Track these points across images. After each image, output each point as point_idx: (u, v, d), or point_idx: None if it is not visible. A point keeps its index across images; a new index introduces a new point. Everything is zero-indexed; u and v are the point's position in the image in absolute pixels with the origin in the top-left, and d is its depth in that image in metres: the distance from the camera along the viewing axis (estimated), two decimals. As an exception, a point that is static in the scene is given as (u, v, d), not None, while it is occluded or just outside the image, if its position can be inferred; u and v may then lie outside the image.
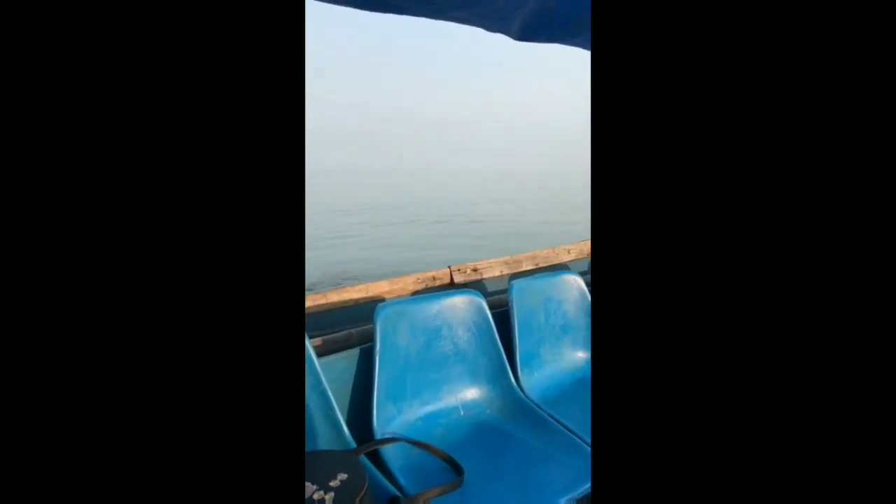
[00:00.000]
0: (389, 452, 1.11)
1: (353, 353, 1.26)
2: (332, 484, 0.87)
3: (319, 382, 1.10)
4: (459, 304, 1.36)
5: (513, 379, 1.37)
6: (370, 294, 1.68)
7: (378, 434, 1.15)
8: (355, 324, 1.49)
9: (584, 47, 1.29)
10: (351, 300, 1.64)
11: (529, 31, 1.25)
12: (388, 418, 1.19)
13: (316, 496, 0.85)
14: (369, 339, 1.34)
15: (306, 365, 1.09)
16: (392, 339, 1.23)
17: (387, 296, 1.72)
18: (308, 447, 1.06)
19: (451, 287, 1.80)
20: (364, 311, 1.64)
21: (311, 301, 1.55)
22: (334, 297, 1.60)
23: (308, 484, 0.87)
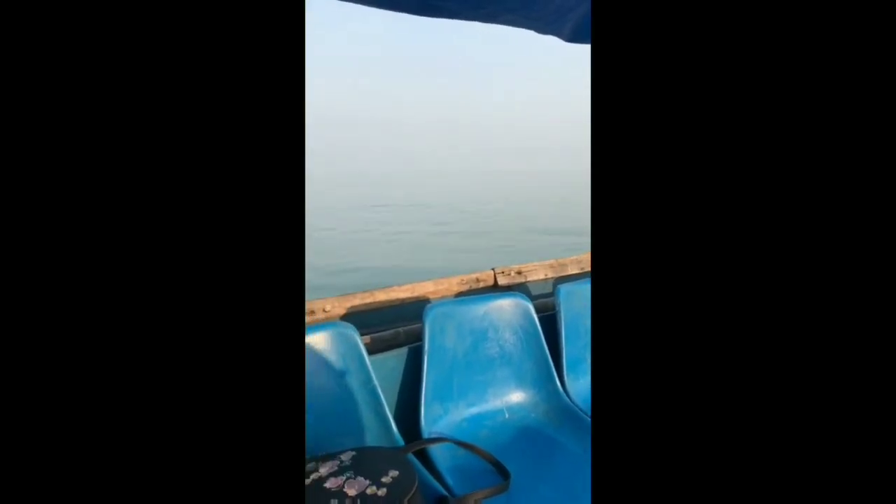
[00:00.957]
0: (436, 452, 1.13)
1: (402, 352, 1.28)
2: (383, 480, 0.89)
3: (370, 380, 1.12)
4: (506, 307, 1.36)
5: (559, 384, 1.36)
6: (415, 294, 1.70)
7: (425, 433, 1.17)
8: (402, 323, 1.51)
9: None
10: (397, 299, 1.67)
11: (581, 33, 1.24)
12: (435, 418, 1.21)
13: (369, 491, 0.87)
14: (416, 338, 1.36)
15: (357, 362, 1.12)
16: (440, 339, 1.24)
17: (431, 296, 1.74)
18: (357, 443, 1.09)
19: (495, 289, 1.80)
20: (409, 310, 1.67)
21: (359, 300, 1.59)
22: (381, 295, 1.63)
23: (361, 479, 0.89)
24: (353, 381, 1.11)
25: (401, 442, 1.12)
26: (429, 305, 1.27)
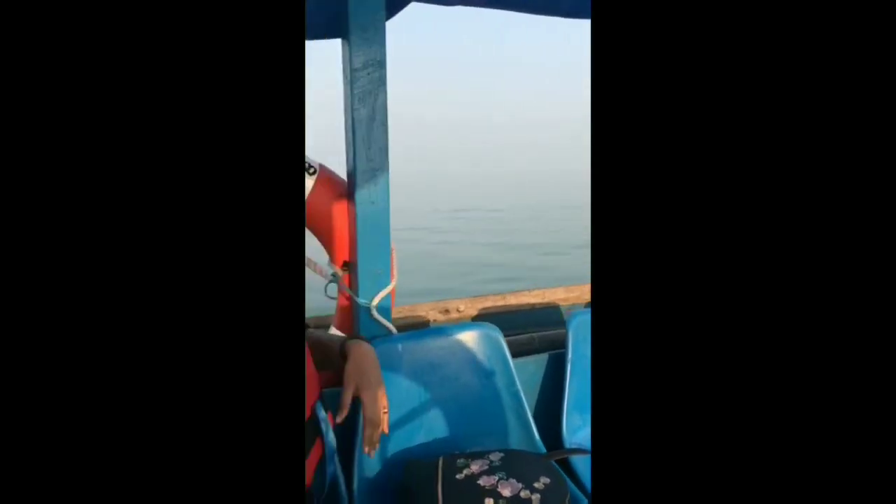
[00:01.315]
0: (578, 463, 1.10)
1: (542, 358, 1.27)
2: (535, 486, 0.89)
3: (513, 382, 1.13)
4: (652, 320, 1.29)
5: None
6: (546, 300, 1.69)
7: (567, 442, 1.15)
8: (533, 328, 1.50)
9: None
10: (527, 304, 1.66)
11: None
12: (575, 428, 1.18)
13: (522, 494, 0.87)
14: (550, 344, 1.34)
15: (501, 364, 1.13)
16: (583, 348, 1.21)
17: (561, 303, 1.71)
18: (499, 444, 1.10)
19: None
20: (539, 315, 1.66)
21: (490, 302, 1.61)
22: (512, 299, 1.64)
23: (513, 481, 0.89)
24: (498, 383, 1.12)
25: (542, 448, 1.11)
26: (573, 313, 1.24)
